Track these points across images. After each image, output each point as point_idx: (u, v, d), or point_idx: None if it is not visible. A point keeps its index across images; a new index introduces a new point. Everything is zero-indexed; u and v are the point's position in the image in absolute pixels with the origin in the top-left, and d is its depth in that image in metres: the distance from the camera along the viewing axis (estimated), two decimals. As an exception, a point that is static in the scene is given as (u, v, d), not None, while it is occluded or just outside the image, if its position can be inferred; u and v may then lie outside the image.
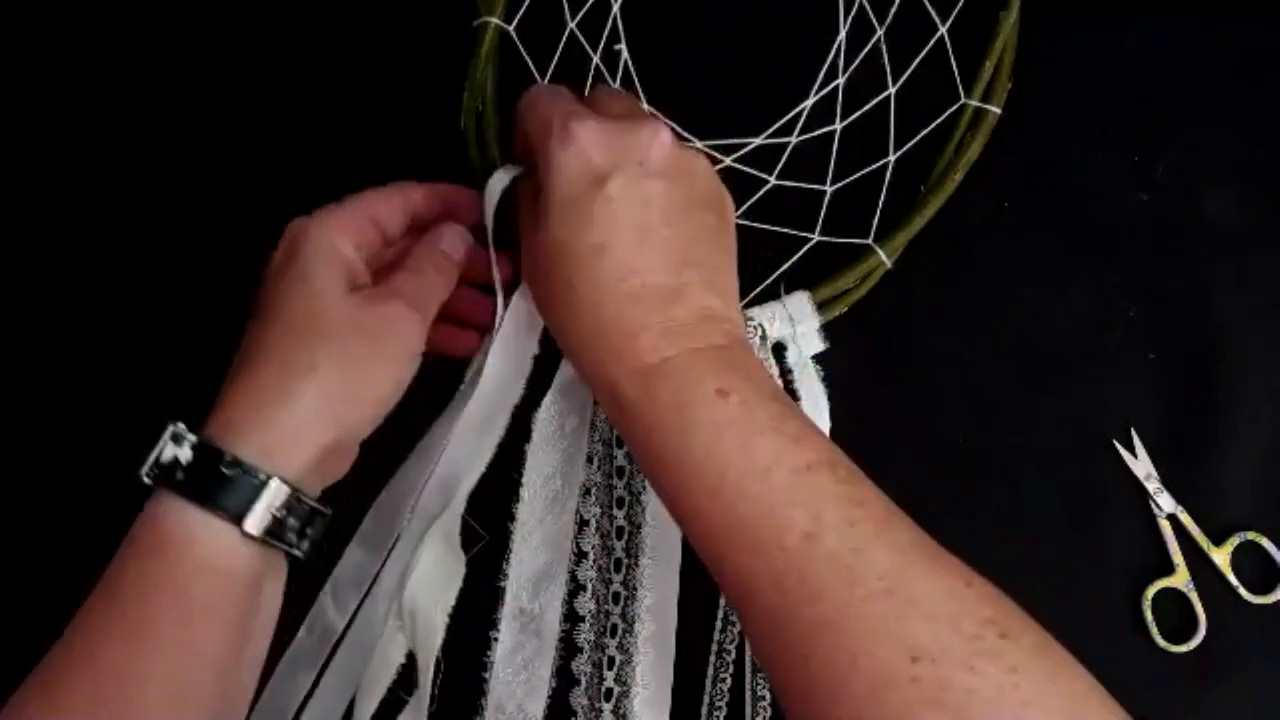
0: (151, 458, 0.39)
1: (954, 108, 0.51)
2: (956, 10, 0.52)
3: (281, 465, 0.39)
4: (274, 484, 0.39)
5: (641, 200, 0.40)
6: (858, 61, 0.53)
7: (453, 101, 0.51)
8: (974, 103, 0.51)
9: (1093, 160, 0.52)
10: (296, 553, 0.41)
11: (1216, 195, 0.52)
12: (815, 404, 0.49)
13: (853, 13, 0.53)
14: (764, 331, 0.49)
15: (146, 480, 0.39)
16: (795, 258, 0.51)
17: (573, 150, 0.40)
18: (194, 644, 0.38)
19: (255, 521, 0.39)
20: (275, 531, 0.40)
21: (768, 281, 0.51)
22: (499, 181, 0.46)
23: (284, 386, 0.40)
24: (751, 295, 0.51)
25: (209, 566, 0.39)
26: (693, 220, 0.41)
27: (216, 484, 0.38)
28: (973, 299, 0.51)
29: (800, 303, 0.49)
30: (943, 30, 0.52)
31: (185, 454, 0.39)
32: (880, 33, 0.52)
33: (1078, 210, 0.52)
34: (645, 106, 0.53)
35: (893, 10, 0.52)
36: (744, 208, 0.52)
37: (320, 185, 0.46)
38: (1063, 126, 0.52)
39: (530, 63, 0.52)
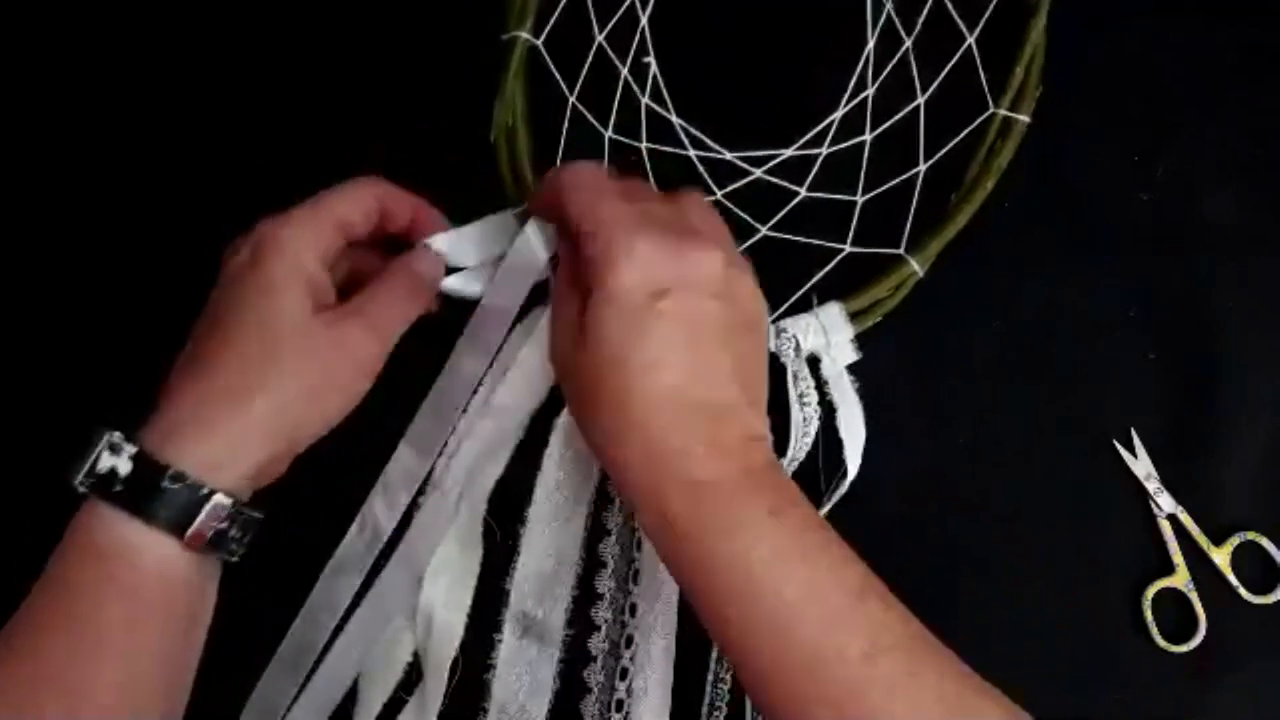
0: (85, 466, 0.38)
1: (983, 116, 0.51)
2: (984, 19, 0.52)
3: (224, 480, 0.39)
4: (216, 498, 0.39)
5: (696, 320, 0.39)
6: (887, 72, 0.53)
7: (483, 115, 0.51)
8: (1003, 111, 0.51)
9: (1093, 160, 0.52)
10: (233, 559, 0.41)
11: (1216, 195, 0.52)
12: (851, 415, 0.49)
13: (880, 23, 0.53)
14: (798, 343, 0.49)
15: (80, 489, 0.38)
16: (827, 269, 0.51)
17: (634, 261, 0.39)
18: (142, 650, 0.38)
19: (197, 535, 0.39)
20: (216, 542, 0.39)
21: (800, 293, 0.51)
22: (538, 240, 0.45)
23: (232, 402, 0.39)
24: (784, 307, 0.51)
25: (154, 574, 0.38)
26: (741, 342, 0.40)
27: (157, 498, 0.38)
28: (973, 299, 0.51)
29: (834, 314, 0.50)
30: (970, 40, 0.52)
31: (124, 465, 0.38)
32: (909, 43, 0.52)
33: (1078, 210, 0.52)
34: (675, 121, 0.53)
35: (920, 20, 0.52)
36: (774, 219, 0.52)
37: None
38: (1062, 126, 0.52)
39: (559, 77, 0.52)
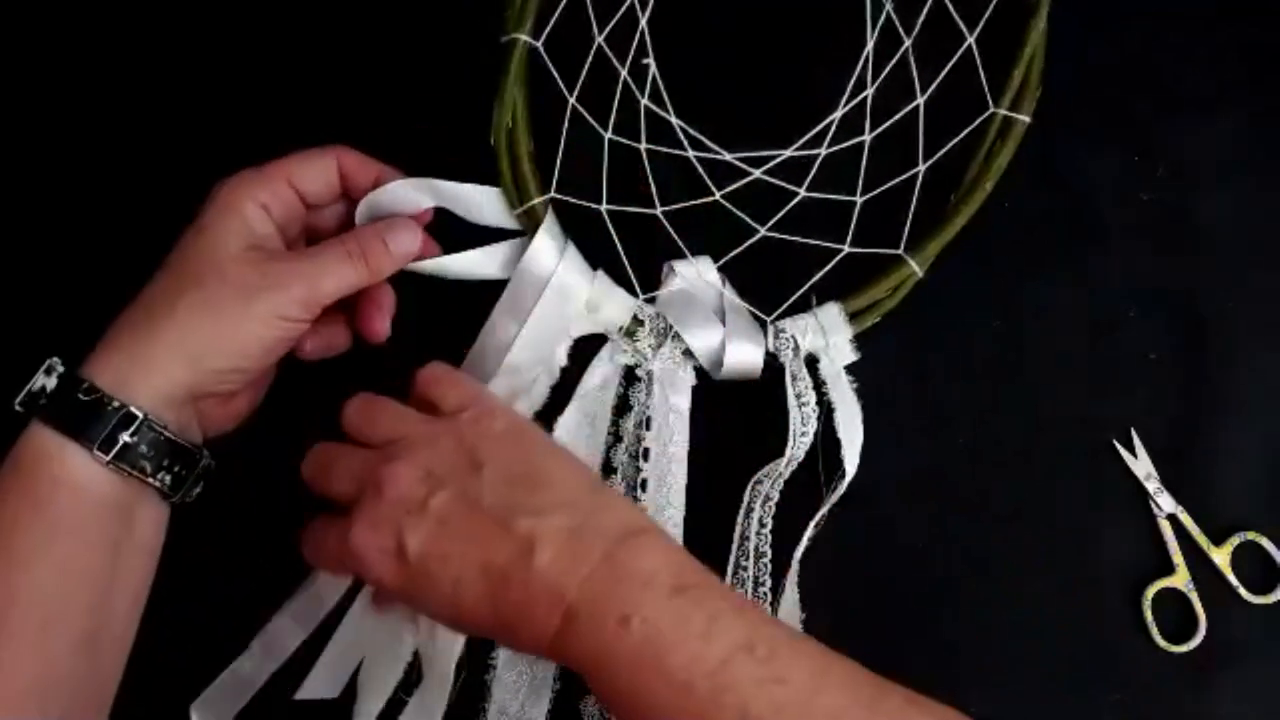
0: (25, 389, 0.42)
1: (983, 116, 0.51)
2: (984, 19, 0.52)
3: (136, 395, 0.41)
4: (125, 411, 0.41)
5: (438, 526, 0.38)
6: (886, 72, 0.53)
7: (483, 116, 0.51)
8: (1003, 111, 0.51)
9: (1093, 160, 0.52)
10: (156, 484, 0.42)
11: (1216, 195, 0.52)
12: (849, 415, 0.49)
13: (880, 23, 0.53)
14: (796, 344, 0.49)
15: (19, 409, 0.41)
16: (826, 269, 0.51)
17: (366, 563, 0.39)
18: (59, 561, 0.40)
19: (106, 445, 0.41)
20: (127, 458, 0.41)
21: (799, 293, 0.51)
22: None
23: (145, 321, 0.42)
24: (783, 307, 0.51)
25: (67, 484, 0.41)
26: (492, 478, 0.39)
27: (72, 410, 0.41)
28: (973, 299, 0.51)
29: (832, 314, 0.50)
30: (970, 40, 0.52)
31: (51, 383, 0.41)
32: (908, 43, 0.52)
33: (1078, 210, 0.52)
34: (675, 121, 0.53)
35: (920, 20, 0.52)
36: (773, 220, 0.52)
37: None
38: (1063, 126, 0.52)
39: (559, 79, 0.52)
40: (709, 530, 0.48)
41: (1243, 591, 0.48)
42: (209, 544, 0.49)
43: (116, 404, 0.41)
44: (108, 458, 0.41)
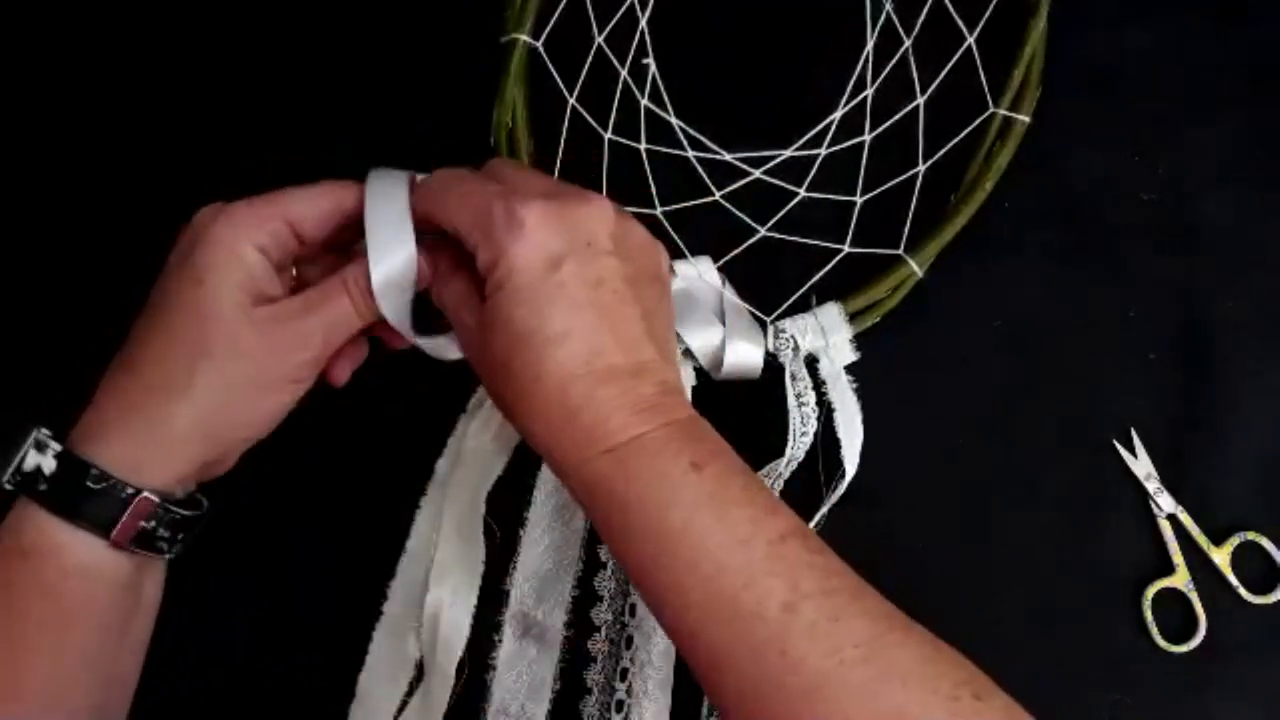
0: (13, 464, 0.38)
1: (983, 116, 0.51)
2: (984, 20, 0.52)
3: (150, 479, 0.38)
4: (141, 498, 0.38)
5: (596, 281, 0.38)
6: (886, 72, 0.53)
7: (483, 117, 0.51)
8: (1003, 111, 0.51)
9: (1093, 160, 0.52)
10: (169, 555, 0.41)
11: (1216, 195, 0.52)
12: (849, 415, 0.49)
13: (879, 23, 0.53)
14: (796, 343, 0.49)
15: (8, 487, 0.38)
16: (826, 269, 0.51)
17: (523, 237, 0.38)
18: (70, 646, 0.38)
19: (122, 534, 0.38)
20: (144, 541, 0.39)
21: (799, 293, 0.51)
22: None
23: (159, 401, 0.39)
24: (783, 307, 0.51)
25: (79, 573, 0.38)
26: (643, 294, 0.40)
27: (81, 497, 0.38)
28: (973, 299, 0.51)
29: (832, 314, 0.50)
30: (970, 40, 0.52)
31: (49, 464, 0.38)
32: (908, 43, 0.52)
33: (1078, 210, 0.52)
34: (674, 122, 0.53)
35: (920, 20, 0.52)
36: (774, 220, 0.52)
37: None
38: (1063, 126, 0.52)
39: (559, 79, 0.52)
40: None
41: (1243, 591, 0.48)
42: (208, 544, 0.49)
43: (131, 490, 0.38)
44: (125, 545, 0.38)
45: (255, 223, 0.40)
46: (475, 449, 0.49)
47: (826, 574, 0.36)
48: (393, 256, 0.41)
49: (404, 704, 0.48)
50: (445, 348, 0.44)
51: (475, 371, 0.41)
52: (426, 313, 0.43)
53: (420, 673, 0.48)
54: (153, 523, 0.39)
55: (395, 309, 0.41)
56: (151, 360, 0.39)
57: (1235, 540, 0.48)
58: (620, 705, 0.47)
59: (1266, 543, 0.48)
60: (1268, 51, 0.53)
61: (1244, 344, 0.50)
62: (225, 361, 0.39)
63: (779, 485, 0.48)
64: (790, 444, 0.48)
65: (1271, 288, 0.51)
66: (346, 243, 0.43)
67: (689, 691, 0.47)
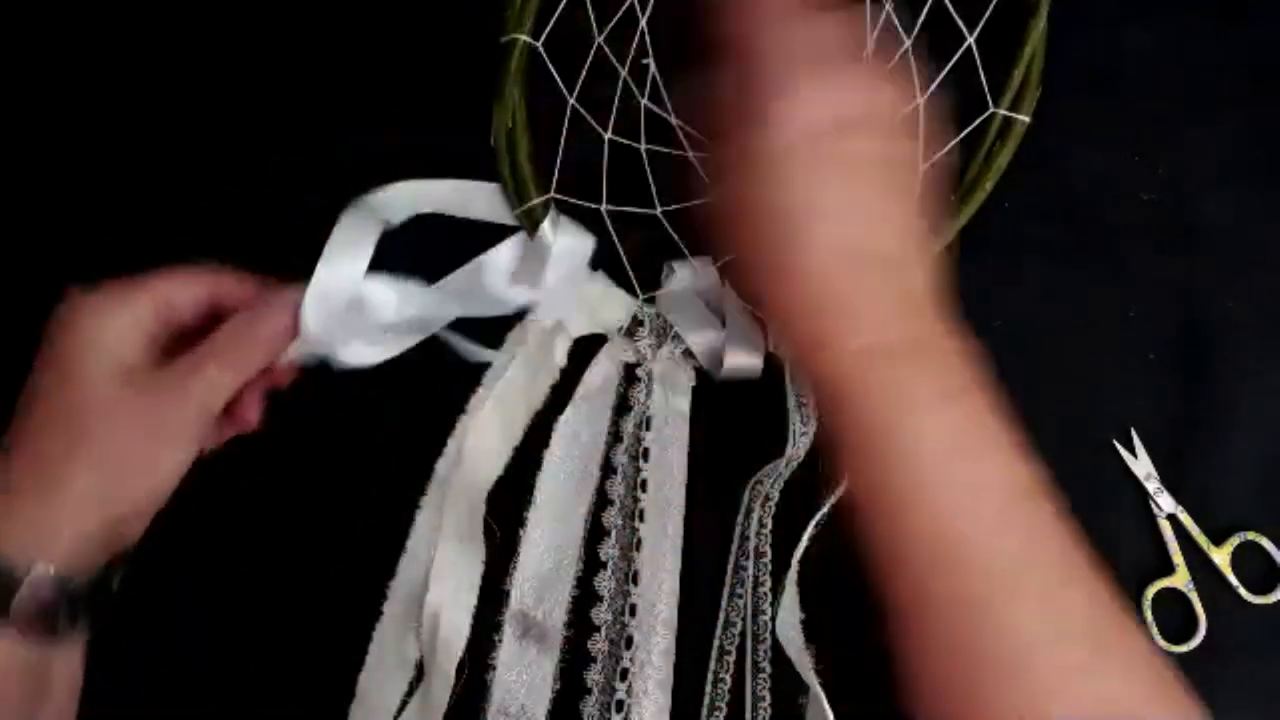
0: None
1: (983, 116, 0.51)
2: (984, 20, 0.52)
3: (44, 558, 0.37)
4: (35, 576, 0.37)
5: (872, 161, 0.36)
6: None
7: (483, 117, 0.51)
8: (1003, 111, 0.51)
9: (1093, 160, 0.52)
10: (74, 634, 0.39)
11: (1216, 195, 0.52)
12: None
13: (879, 24, 0.53)
14: None
15: None
16: None
17: (797, 104, 0.35)
18: None
19: (20, 617, 0.37)
20: (45, 620, 0.37)
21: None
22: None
23: (41, 489, 0.38)
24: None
25: None
26: (909, 185, 0.37)
27: None
28: (972, 298, 0.51)
29: None
30: (970, 40, 0.52)
31: None
32: (908, 43, 0.52)
33: (1078, 210, 0.52)
34: (674, 121, 0.53)
35: (920, 21, 0.52)
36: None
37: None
38: (1063, 126, 0.52)
39: (559, 79, 0.52)
40: (709, 531, 0.48)
41: (1243, 591, 0.48)
42: (208, 545, 0.49)
43: (20, 572, 0.37)
44: (24, 628, 0.37)
45: (121, 308, 0.40)
46: (475, 449, 0.49)
47: (1062, 540, 0.34)
48: (338, 273, 0.42)
49: (404, 704, 0.48)
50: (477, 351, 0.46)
51: (717, 221, 0.39)
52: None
53: (420, 673, 0.49)
54: (53, 597, 0.37)
55: (320, 323, 0.42)
56: (27, 449, 0.39)
57: (1235, 540, 0.48)
58: (620, 705, 0.47)
59: (1266, 543, 0.48)
60: (1268, 51, 0.53)
61: (1244, 344, 0.50)
62: (104, 435, 0.39)
63: (779, 485, 0.48)
64: (790, 443, 0.48)
65: (1271, 288, 0.51)
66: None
67: (688, 692, 0.48)
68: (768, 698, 0.47)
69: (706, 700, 0.48)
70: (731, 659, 0.48)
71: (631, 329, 0.50)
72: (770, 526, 0.48)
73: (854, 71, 0.37)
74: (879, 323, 0.35)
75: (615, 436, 0.50)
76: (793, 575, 0.48)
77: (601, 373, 0.50)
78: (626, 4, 0.54)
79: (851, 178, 0.36)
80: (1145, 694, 0.32)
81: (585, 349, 0.50)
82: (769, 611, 0.48)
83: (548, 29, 0.52)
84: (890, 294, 0.36)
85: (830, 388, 0.36)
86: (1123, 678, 0.32)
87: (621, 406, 0.50)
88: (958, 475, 0.34)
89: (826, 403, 0.36)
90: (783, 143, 0.35)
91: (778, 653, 0.47)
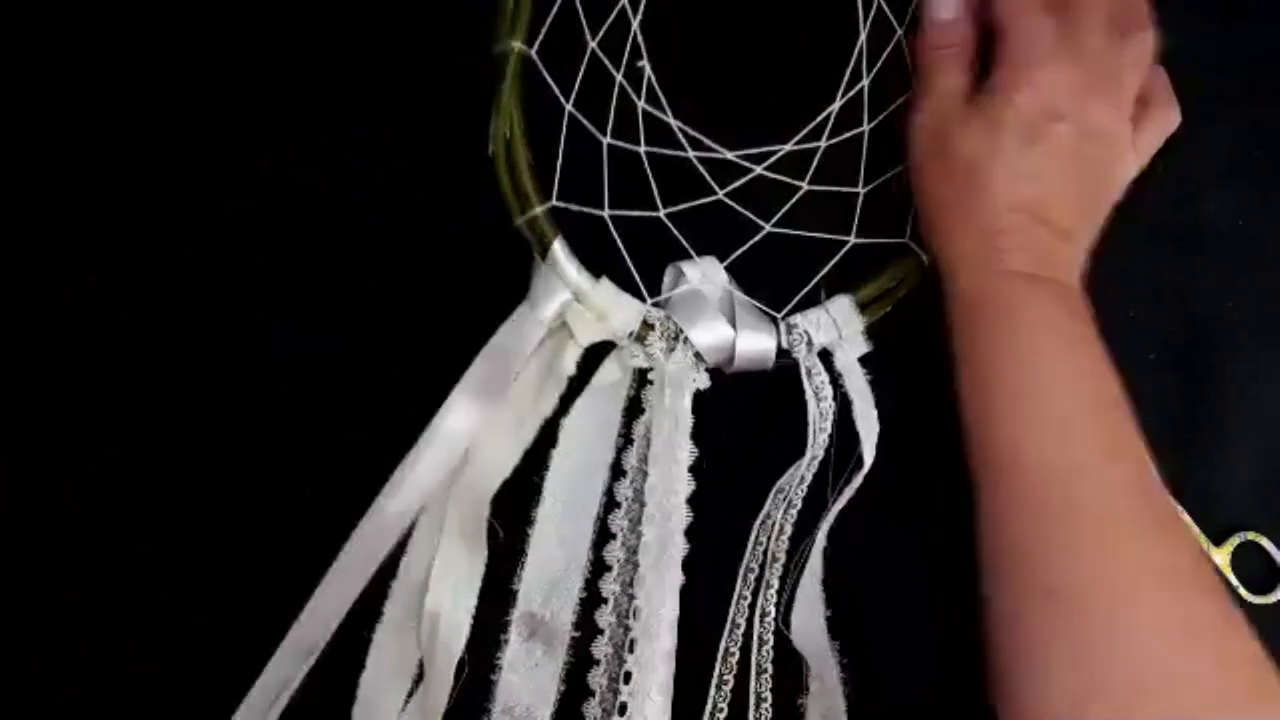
0: None
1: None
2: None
3: None
4: None
5: (1074, 153, 0.44)
6: (880, 62, 0.52)
7: (481, 128, 0.51)
8: None
9: (1093, 160, 0.52)
10: None
11: (1216, 195, 0.52)
12: (866, 407, 0.49)
13: (871, 14, 0.53)
14: (810, 338, 0.49)
15: None
16: (834, 261, 0.51)
17: (1034, 90, 0.44)
18: None
19: None
20: None
21: (809, 287, 0.51)
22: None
23: None
24: (793, 302, 0.51)
25: None
26: (1104, 187, 0.46)
27: None
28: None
29: (844, 307, 0.50)
30: None
31: None
32: (900, 33, 0.52)
33: (1078, 210, 0.52)
34: (673, 122, 0.53)
35: (911, 10, 0.52)
36: (778, 215, 0.52)
37: (351, 214, 0.44)
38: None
39: (554, 86, 0.52)
40: (715, 533, 0.48)
41: (1243, 591, 0.48)
42: (208, 545, 0.49)
43: None
44: None
45: None
46: (483, 453, 0.48)
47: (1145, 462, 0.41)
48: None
49: (406, 705, 0.48)
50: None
51: (918, 139, 0.47)
52: None
53: (422, 673, 0.48)
54: None
55: None
56: None
57: (1235, 540, 0.49)
58: (623, 708, 0.47)
59: (1266, 543, 0.48)
60: (1268, 51, 0.53)
61: (1244, 344, 0.50)
62: None
63: (802, 490, 0.48)
64: (811, 441, 0.48)
65: (1271, 288, 0.51)
66: None
67: (690, 694, 0.48)
68: (769, 699, 0.47)
69: (709, 704, 0.48)
70: (735, 660, 0.48)
71: (642, 334, 0.49)
72: (790, 533, 0.48)
73: (1093, 83, 0.45)
74: (1033, 261, 0.43)
75: (626, 438, 0.50)
76: (816, 574, 0.48)
77: (610, 374, 0.50)
78: (619, 7, 0.53)
79: (1054, 158, 0.44)
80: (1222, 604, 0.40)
81: (595, 358, 0.50)
82: (772, 613, 0.48)
83: (540, 36, 0.52)
84: (1050, 250, 0.44)
85: (974, 298, 0.44)
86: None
87: (633, 409, 0.50)
88: (1085, 396, 0.42)
89: (963, 305, 0.44)
90: (1010, 111, 0.44)
91: (778, 653, 0.47)
